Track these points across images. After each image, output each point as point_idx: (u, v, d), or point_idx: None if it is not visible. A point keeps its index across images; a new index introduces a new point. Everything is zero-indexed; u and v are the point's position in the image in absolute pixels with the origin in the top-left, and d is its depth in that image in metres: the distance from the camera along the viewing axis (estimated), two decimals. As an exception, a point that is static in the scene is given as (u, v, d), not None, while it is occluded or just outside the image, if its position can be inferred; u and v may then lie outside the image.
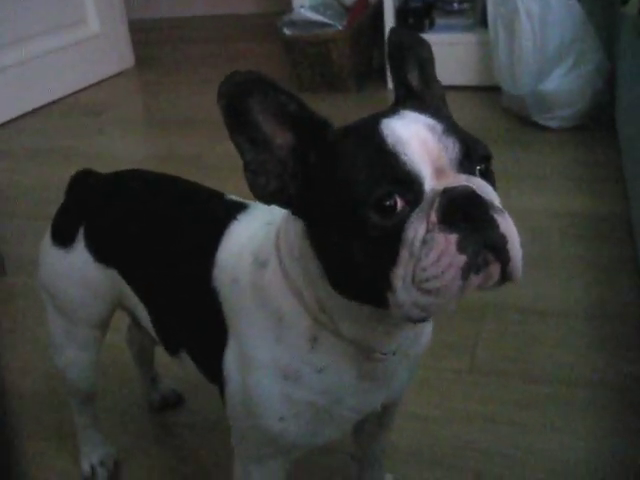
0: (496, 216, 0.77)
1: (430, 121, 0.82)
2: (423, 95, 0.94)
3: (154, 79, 4.63)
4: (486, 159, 0.84)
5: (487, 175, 0.84)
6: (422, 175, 0.78)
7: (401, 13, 3.65)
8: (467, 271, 0.74)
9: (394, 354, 0.96)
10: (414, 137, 0.79)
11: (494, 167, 0.86)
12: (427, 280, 0.75)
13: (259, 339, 0.96)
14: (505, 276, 0.78)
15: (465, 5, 3.72)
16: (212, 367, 1.05)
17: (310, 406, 0.97)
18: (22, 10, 3.97)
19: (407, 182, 0.77)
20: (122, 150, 3.53)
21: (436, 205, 0.76)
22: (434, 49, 0.96)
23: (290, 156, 0.85)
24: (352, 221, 0.78)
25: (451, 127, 0.82)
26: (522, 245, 0.79)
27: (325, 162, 0.83)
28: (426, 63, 0.95)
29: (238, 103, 0.80)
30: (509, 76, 3.16)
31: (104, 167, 1.38)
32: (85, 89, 4.41)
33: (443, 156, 0.79)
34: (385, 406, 1.09)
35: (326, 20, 3.73)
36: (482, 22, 3.49)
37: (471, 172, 0.81)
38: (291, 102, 0.83)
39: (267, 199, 0.85)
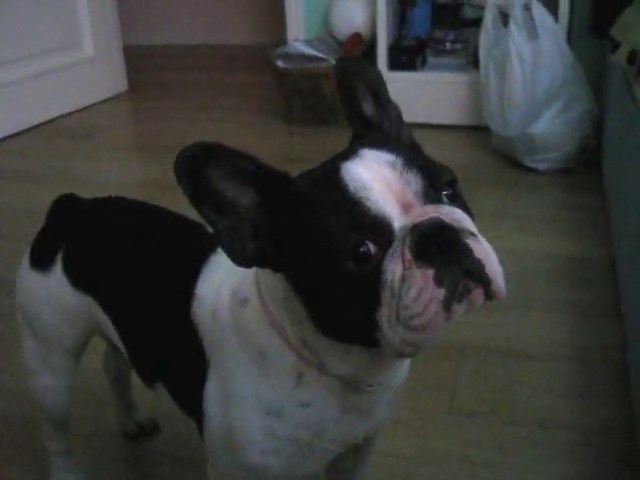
0: (469, 242, 0.77)
1: (389, 157, 0.82)
2: (381, 122, 0.94)
3: (146, 105, 4.65)
4: (451, 183, 0.84)
5: (455, 198, 0.84)
6: (389, 216, 0.78)
7: (394, 50, 3.68)
8: (449, 303, 0.75)
9: (380, 385, 0.96)
10: (375, 179, 0.79)
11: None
12: (411, 318, 0.75)
13: (242, 374, 0.96)
14: (489, 295, 0.78)
15: (458, 45, 3.76)
16: (190, 400, 1.04)
17: (293, 441, 0.97)
18: (18, 31, 4.00)
19: (376, 227, 0.77)
20: (111, 174, 3.52)
21: (408, 242, 0.76)
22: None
23: (259, 216, 0.84)
24: (330, 272, 0.78)
25: (411, 158, 0.82)
26: (505, 281, 0.79)
27: (293, 217, 0.83)
28: (377, 87, 0.94)
29: (197, 177, 0.79)
30: (499, 117, 3.18)
31: (92, 191, 1.37)
32: (77, 112, 4.42)
33: (407, 191, 0.80)
34: (365, 439, 1.08)
35: (319, 54, 3.76)
36: (474, 62, 3.52)
37: (438, 200, 0.81)
38: (247, 163, 0.83)
39: (247, 262, 0.85)
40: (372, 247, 0.77)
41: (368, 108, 0.94)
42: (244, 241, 0.83)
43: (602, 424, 1.65)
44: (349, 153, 0.85)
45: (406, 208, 0.79)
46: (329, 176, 0.82)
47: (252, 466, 0.98)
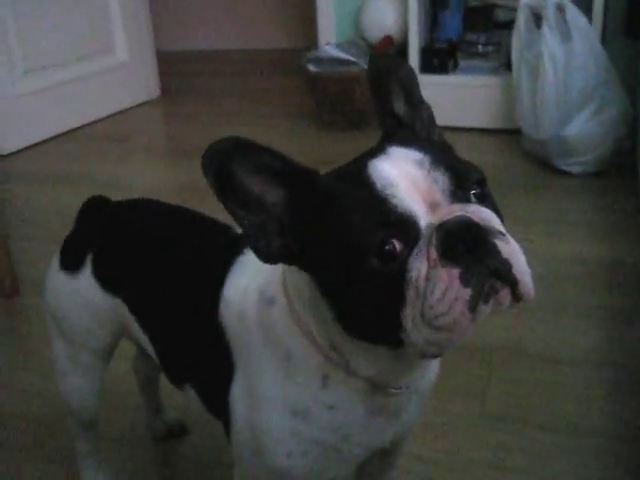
0: (497, 242, 0.76)
1: (417, 155, 0.81)
2: (412, 121, 0.93)
3: (178, 109, 4.68)
4: (480, 182, 0.83)
5: (483, 198, 0.83)
6: (416, 214, 0.77)
7: (425, 53, 3.67)
8: (474, 303, 0.74)
9: (407, 388, 0.95)
10: (402, 177, 0.79)
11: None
12: (436, 317, 0.74)
13: (268, 376, 0.95)
14: (517, 297, 0.77)
15: (490, 48, 3.73)
16: (217, 402, 1.04)
17: (319, 443, 0.96)
18: (53, 36, 4.06)
19: (402, 225, 0.77)
20: (143, 178, 3.56)
21: (434, 241, 0.75)
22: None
23: (285, 213, 0.84)
24: (355, 269, 0.78)
25: (440, 157, 0.81)
26: (536, 285, 0.78)
27: (319, 213, 0.82)
28: (410, 85, 0.93)
29: (224, 172, 0.79)
30: (531, 120, 3.15)
31: (124, 195, 1.38)
32: (110, 117, 4.46)
33: (434, 189, 0.79)
34: (393, 443, 1.07)
35: (351, 58, 3.75)
36: (506, 65, 3.49)
37: (466, 199, 0.80)
38: (274, 159, 0.82)
39: (272, 259, 0.84)
40: (398, 245, 0.76)
41: (400, 107, 0.93)
42: (269, 237, 0.83)
43: (632, 431, 1.62)
44: (377, 151, 0.84)
45: (433, 207, 0.78)
46: (356, 173, 0.82)
47: (278, 469, 0.97)
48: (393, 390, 0.94)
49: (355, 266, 0.78)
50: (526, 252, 0.79)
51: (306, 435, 0.95)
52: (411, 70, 0.95)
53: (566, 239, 2.55)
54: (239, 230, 1.13)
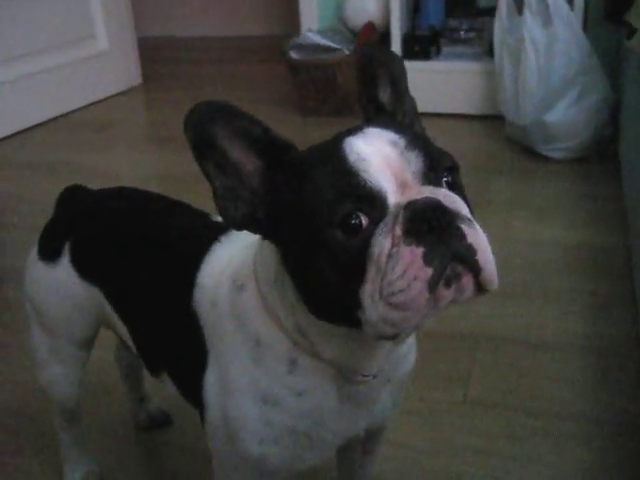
0: (463, 226, 0.76)
1: (392, 136, 0.82)
2: (395, 111, 0.94)
3: (160, 97, 4.65)
4: (452, 170, 0.84)
5: (454, 186, 0.83)
6: (384, 191, 0.77)
7: (408, 40, 3.66)
8: (434, 283, 0.74)
9: (375, 377, 0.95)
10: (375, 153, 0.79)
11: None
12: (394, 294, 0.74)
13: (237, 362, 0.95)
14: (480, 287, 0.76)
15: (472, 34, 3.73)
16: (192, 389, 1.04)
17: (290, 430, 0.96)
18: (33, 24, 4.02)
19: (369, 199, 0.77)
20: (125, 167, 3.54)
21: (400, 219, 0.75)
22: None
23: (258, 180, 0.85)
24: (319, 241, 0.78)
25: (415, 140, 0.82)
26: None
27: (291, 184, 0.83)
28: (399, 78, 0.95)
29: (204, 131, 0.81)
30: (513, 106, 3.15)
31: (106, 183, 1.37)
32: (92, 105, 4.43)
33: (406, 170, 0.79)
34: (369, 432, 1.08)
35: (333, 44, 3.74)
36: (489, 51, 3.50)
37: (437, 184, 0.81)
38: (255, 127, 0.83)
39: (237, 225, 0.85)
40: (364, 219, 0.77)
41: (384, 96, 0.94)
42: (238, 203, 0.84)
43: (615, 415, 1.63)
44: (354, 130, 0.85)
45: (403, 186, 0.78)
46: (330, 148, 0.82)
47: (251, 455, 0.98)
48: (361, 378, 0.93)
49: (319, 237, 0.78)
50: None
51: (277, 422, 0.95)
52: (402, 62, 0.96)
53: (548, 225, 2.55)
54: (217, 218, 1.13)
